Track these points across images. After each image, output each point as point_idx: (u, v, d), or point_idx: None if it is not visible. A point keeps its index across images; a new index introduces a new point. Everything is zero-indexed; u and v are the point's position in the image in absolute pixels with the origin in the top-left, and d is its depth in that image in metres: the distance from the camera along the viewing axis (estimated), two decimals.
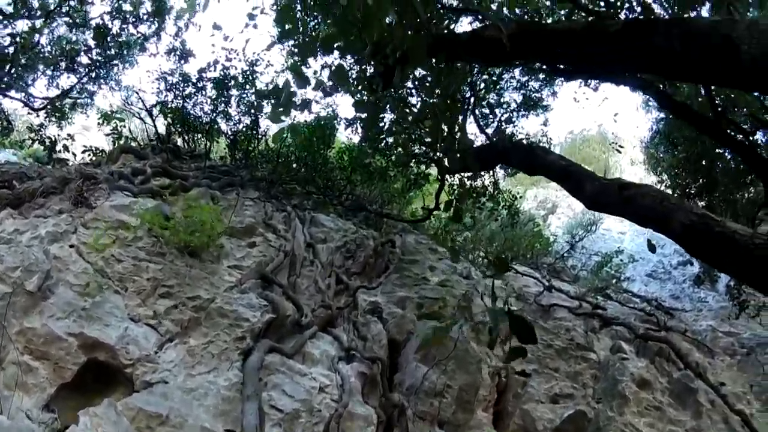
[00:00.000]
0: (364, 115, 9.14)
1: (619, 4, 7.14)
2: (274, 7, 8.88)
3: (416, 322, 8.09)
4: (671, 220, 4.59)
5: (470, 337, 8.01)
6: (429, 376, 6.92)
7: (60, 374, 5.24)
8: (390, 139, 11.98)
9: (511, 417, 8.06)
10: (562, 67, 6.24)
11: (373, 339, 7.45)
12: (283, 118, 4.05)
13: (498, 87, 12.10)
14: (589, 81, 13.43)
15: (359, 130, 12.05)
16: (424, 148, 10.92)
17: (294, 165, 12.79)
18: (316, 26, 7.86)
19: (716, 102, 7.69)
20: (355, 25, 3.86)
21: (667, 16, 7.31)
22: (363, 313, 8.03)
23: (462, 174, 10.28)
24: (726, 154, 12.96)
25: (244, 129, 12.53)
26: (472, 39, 5.35)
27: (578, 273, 16.00)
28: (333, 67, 4.33)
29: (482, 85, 11.35)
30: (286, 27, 5.13)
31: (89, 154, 10.94)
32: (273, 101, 4.22)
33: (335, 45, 4.41)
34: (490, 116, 12.51)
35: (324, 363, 6.49)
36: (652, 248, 5.45)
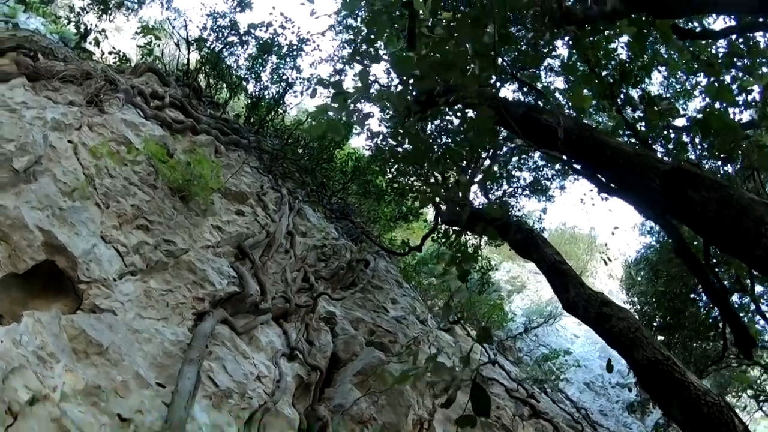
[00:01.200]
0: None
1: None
2: None
3: (364, 346, 8.19)
4: (639, 350, 4.80)
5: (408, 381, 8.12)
6: (359, 403, 7.00)
7: (14, 263, 5.11)
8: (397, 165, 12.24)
9: None
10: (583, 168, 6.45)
11: (320, 347, 7.49)
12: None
13: (518, 160, 12.42)
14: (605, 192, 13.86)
15: (376, 146, 12.20)
16: (426, 188, 11.14)
17: (300, 151, 12.90)
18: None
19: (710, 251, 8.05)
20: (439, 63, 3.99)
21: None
22: (318, 319, 8.06)
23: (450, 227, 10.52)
24: (699, 303, 13.45)
25: (268, 97, 12.62)
26: (528, 117, 5.55)
27: (523, 357, 16.28)
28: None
29: (504, 149, 11.60)
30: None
31: (116, 58, 10.91)
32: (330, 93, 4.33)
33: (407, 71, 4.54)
34: (496, 183, 12.80)
35: (267, 353, 6.50)
36: (609, 368, 5.65)
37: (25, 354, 4.24)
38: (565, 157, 5.61)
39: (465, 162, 8.49)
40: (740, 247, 3.72)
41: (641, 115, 11.41)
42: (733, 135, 5.11)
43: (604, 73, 10.57)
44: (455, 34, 3.96)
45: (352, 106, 4.22)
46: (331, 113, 4.18)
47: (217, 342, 5.84)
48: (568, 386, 16.59)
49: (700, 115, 5.74)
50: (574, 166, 8.56)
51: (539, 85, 10.33)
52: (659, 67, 12.89)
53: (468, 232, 11.03)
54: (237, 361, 5.82)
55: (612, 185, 5.24)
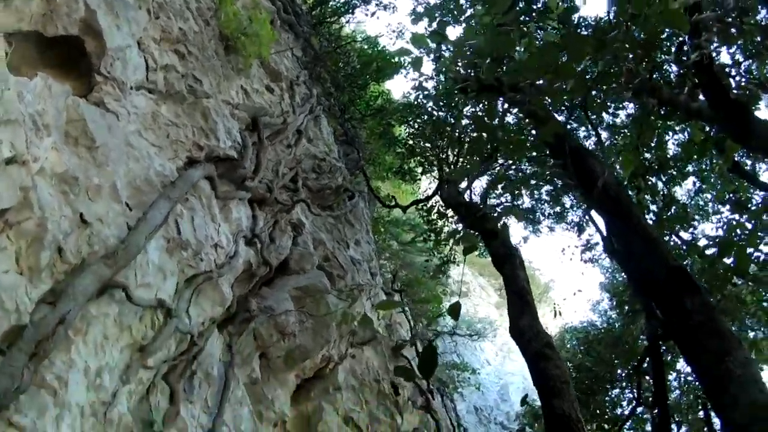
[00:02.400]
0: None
1: None
2: None
3: (315, 268, 8.36)
4: (559, 401, 5.03)
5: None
6: (288, 315, 7.18)
7: (45, 23, 4.81)
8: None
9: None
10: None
11: (277, 247, 7.53)
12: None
13: (535, 183, 12.64)
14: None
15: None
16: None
17: (341, 65, 12.85)
18: None
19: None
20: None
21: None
22: (287, 222, 8.15)
23: None
24: (607, 397, 14.16)
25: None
26: (578, 152, 5.67)
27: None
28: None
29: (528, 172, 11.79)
30: None
31: None
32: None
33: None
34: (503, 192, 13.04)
35: (231, 228, 6.50)
36: (523, 401, 5.92)
37: (24, 112, 4.19)
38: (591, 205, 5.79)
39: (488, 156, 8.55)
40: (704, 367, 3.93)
41: (654, 209, 11.67)
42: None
43: (647, 155, 10.76)
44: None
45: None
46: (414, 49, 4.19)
47: (196, 194, 5.87)
48: (459, 401, 17.14)
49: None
50: (593, 216, 8.78)
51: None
52: (696, 178, 13.22)
53: (454, 215, 11.26)
54: (205, 221, 5.86)
55: (618, 251, 5.43)
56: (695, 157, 10.52)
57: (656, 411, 7.79)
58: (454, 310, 3.78)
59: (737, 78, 8.75)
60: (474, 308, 23.54)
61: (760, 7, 6.74)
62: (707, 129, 7.57)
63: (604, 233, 6.36)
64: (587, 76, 3.94)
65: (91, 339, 4.29)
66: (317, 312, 7.57)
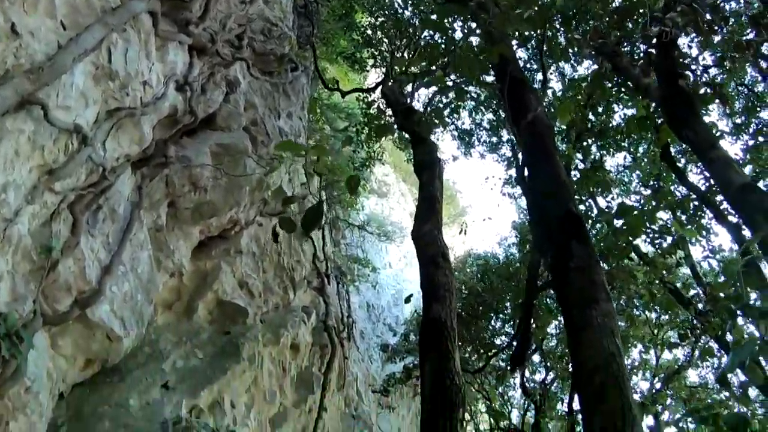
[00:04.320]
0: None
1: None
2: None
3: (241, 130, 8.44)
4: (437, 306, 5.40)
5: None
6: (204, 168, 7.31)
7: None
8: None
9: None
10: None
11: (207, 100, 7.38)
12: None
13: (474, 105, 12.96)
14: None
15: None
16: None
17: None
18: None
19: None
20: None
21: None
22: (223, 78, 8.01)
23: None
24: (491, 325, 15.23)
25: None
26: (521, 83, 5.92)
27: (340, 241, 17.20)
28: None
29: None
30: None
31: None
32: None
33: None
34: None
35: (164, 70, 6.34)
36: (407, 300, 6.41)
37: None
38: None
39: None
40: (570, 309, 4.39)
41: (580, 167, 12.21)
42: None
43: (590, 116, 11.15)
44: None
45: None
46: None
47: (135, 27, 5.74)
48: (354, 294, 17.89)
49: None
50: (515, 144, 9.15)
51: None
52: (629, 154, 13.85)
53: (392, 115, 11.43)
54: (138, 56, 5.78)
55: (527, 184, 5.82)
56: (633, 133, 10.98)
57: (517, 337, 8.53)
58: (352, 183, 4.06)
59: (697, 71, 9.07)
60: (389, 210, 24.19)
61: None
62: (652, 110, 7.99)
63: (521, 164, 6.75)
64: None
65: (1, 153, 4.31)
66: (233, 172, 7.72)
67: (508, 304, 14.97)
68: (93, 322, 5.95)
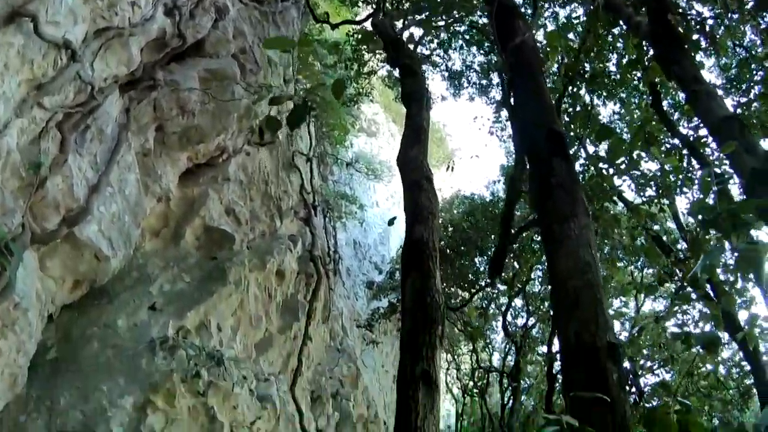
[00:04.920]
0: None
1: None
2: None
3: (230, 57, 8.42)
4: (419, 229, 5.57)
5: None
6: (192, 93, 7.31)
7: None
8: None
9: None
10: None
11: (195, 25, 7.37)
12: None
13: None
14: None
15: None
16: None
17: None
18: None
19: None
20: None
21: None
22: (207, 7, 7.95)
23: None
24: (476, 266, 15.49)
25: None
26: (512, 11, 5.91)
27: (328, 177, 17.28)
28: None
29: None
30: None
31: None
32: None
33: None
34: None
35: None
36: (391, 222, 6.57)
37: None
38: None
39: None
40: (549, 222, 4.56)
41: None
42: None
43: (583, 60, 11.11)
44: None
45: None
46: None
47: None
48: (341, 231, 18.07)
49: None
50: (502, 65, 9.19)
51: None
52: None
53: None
54: None
55: (512, 105, 5.93)
56: (627, 76, 10.97)
57: (492, 266, 8.74)
58: (338, 87, 4.15)
59: (691, 11, 9.03)
60: (378, 149, 24.18)
61: None
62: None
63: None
64: None
65: None
66: (221, 97, 7.75)
67: (491, 245, 15.20)
68: (81, 242, 6.06)
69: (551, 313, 16.18)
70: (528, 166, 6.07)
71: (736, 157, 4.36)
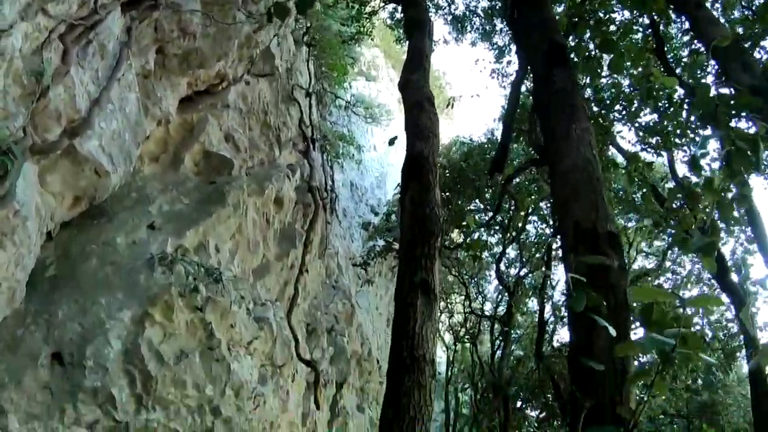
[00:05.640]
0: None
1: None
2: None
3: None
4: (419, 144, 5.66)
5: None
6: (194, 15, 7.36)
7: None
8: None
9: None
10: None
11: None
12: None
13: None
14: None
15: None
16: None
17: None
18: None
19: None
20: None
21: None
22: None
23: None
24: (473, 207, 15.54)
25: None
26: None
27: (327, 116, 17.17)
28: None
29: None
30: None
31: None
32: None
33: None
34: None
35: None
36: (392, 142, 6.65)
37: None
38: None
39: None
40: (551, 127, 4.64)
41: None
42: None
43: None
44: None
45: None
46: None
47: None
48: (338, 172, 18.00)
49: None
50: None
51: None
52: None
53: None
54: None
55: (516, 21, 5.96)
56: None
57: (494, 165, 8.79)
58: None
59: None
60: (377, 93, 24.05)
61: None
62: None
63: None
64: None
65: None
66: (223, 21, 7.74)
67: (488, 189, 15.27)
68: (81, 156, 6.13)
69: (545, 259, 16.48)
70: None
71: (734, 75, 4.43)
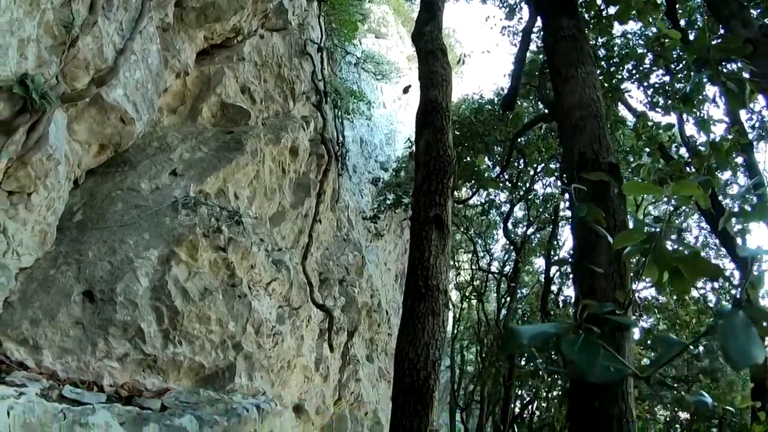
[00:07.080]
0: None
1: None
2: None
3: None
4: (434, 90, 5.91)
5: None
6: None
7: None
8: None
9: None
10: None
11: None
12: None
13: None
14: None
15: None
16: None
17: None
18: None
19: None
20: None
21: None
22: None
23: None
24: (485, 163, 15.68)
25: None
26: None
27: (337, 69, 17.34)
28: None
29: None
30: None
31: None
32: None
33: None
34: None
35: None
36: (406, 90, 6.91)
37: None
38: None
39: None
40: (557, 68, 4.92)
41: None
42: None
43: None
44: None
45: None
46: None
47: None
48: (349, 129, 18.01)
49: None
50: None
51: None
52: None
53: None
54: None
55: None
56: None
57: (504, 103, 9.04)
58: None
59: None
60: (387, 50, 24.09)
61: None
62: None
63: None
64: None
65: None
66: None
67: (497, 147, 15.40)
68: (108, 104, 6.48)
69: (552, 218, 16.77)
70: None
71: (733, 31, 4.70)
